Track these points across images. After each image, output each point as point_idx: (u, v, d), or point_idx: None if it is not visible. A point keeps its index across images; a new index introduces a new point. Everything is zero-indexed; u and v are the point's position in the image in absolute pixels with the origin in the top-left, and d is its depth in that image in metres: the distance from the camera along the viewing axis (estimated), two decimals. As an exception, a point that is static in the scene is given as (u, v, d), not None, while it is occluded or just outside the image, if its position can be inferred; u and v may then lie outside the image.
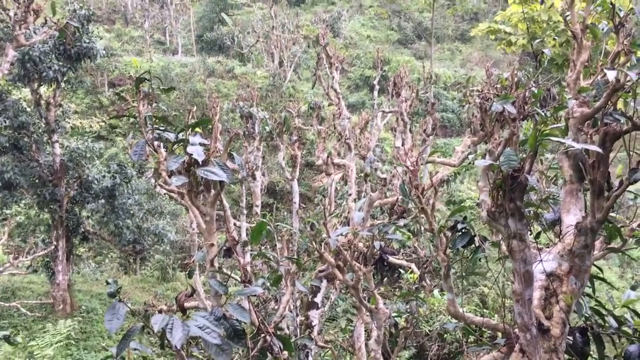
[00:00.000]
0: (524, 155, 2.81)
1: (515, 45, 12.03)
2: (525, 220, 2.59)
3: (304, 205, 23.55)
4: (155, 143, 3.90)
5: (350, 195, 10.74)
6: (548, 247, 3.06)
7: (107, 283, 2.52)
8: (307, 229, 11.93)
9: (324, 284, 10.03)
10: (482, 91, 4.91)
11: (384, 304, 6.63)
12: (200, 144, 3.02)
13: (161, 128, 3.36)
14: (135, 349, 3.46)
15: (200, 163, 2.89)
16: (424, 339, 14.88)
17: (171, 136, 3.17)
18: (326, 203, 10.46)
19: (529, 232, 3.44)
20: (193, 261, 3.18)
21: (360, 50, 38.91)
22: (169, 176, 3.08)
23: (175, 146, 3.31)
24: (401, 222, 10.31)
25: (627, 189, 3.02)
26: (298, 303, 9.74)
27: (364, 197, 10.12)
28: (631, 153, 2.74)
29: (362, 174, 10.04)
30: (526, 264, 2.59)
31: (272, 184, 24.12)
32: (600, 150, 2.56)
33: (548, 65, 9.72)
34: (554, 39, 10.01)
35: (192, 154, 2.84)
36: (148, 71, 3.15)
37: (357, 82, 35.84)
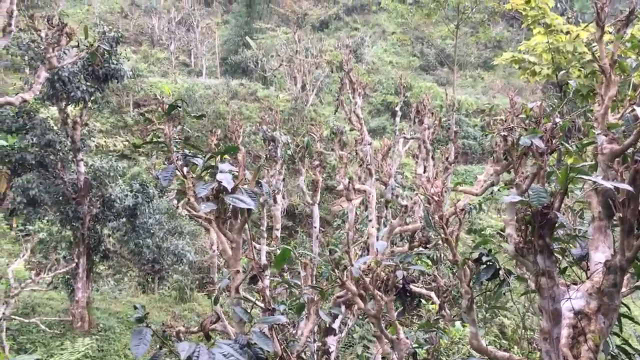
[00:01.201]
0: (550, 189, 2.79)
1: (540, 75, 11.99)
2: (554, 257, 2.57)
3: (323, 229, 23.55)
4: (184, 168, 3.96)
5: (370, 221, 10.72)
6: (576, 285, 3.03)
7: (135, 308, 2.54)
8: (325, 253, 11.90)
9: (342, 309, 9.97)
10: (505, 121, 4.91)
11: (403, 332, 6.56)
12: (231, 172, 3.07)
13: (188, 153, 3.41)
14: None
15: (229, 190, 2.92)
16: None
17: (199, 162, 3.22)
18: (347, 229, 10.45)
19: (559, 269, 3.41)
20: (218, 288, 3.19)
21: (383, 76, 39.13)
22: (197, 202, 3.12)
23: (204, 172, 3.36)
24: (423, 251, 10.24)
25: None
26: (316, 328, 9.67)
27: (384, 222, 10.09)
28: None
29: (383, 200, 10.03)
30: (555, 302, 2.56)
31: (291, 207, 24.18)
32: (630, 188, 2.53)
33: (573, 96, 9.68)
34: (579, 70, 9.97)
35: (221, 182, 2.88)
36: (182, 99, 3.22)
37: (379, 107, 35.97)
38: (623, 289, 3.68)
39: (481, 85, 42.40)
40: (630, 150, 2.98)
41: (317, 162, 11.93)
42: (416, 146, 10.57)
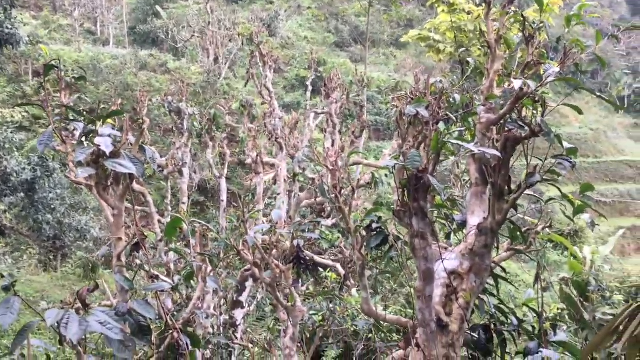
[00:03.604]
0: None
1: (444, 53, 12.39)
2: (428, 219, 2.68)
3: (235, 204, 23.35)
4: (71, 134, 3.78)
5: (279, 194, 10.75)
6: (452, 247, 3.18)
7: (1, 276, 2.42)
8: (236, 227, 11.82)
9: (250, 283, 9.99)
10: (403, 98, 5.03)
11: (310, 303, 6.66)
12: (111, 136, 2.95)
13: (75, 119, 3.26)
14: (38, 347, 3.34)
15: (109, 155, 2.81)
16: (350, 338, 15.06)
17: (79, 126, 3.07)
18: (255, 202, 10.43)
19: (437, 233, 3.56)
20: (97, 256, 3.09)
21: (297, 51, 38.98)
22: (77, 167, 2.99)
23: (90, 137, 3.22)
24: (328, 222, 10.41)
25: (528, 192, 3.19)
26: (223, 302, 9.64)
27: (294, 196, 10.17)
28: (530, 157, 2.89)
29: (292, 174, 10.07)
30: (427, 262, 2.67)
31: (203, 182, 23.77)
32: (499, 154, 2.68)
33: (472, 74, 10.07)
34: (479, 49, 10.38)
35: (99, 145, 2.77)
36: (57, 59, 3.05)
37: (293, 82, 35.88)
38: (502, 253, 3.91)
39: (393, 63, 43.21)
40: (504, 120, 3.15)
41: (225, 135, 11.79)
42: (326, 122, 10.69)
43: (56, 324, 2.26)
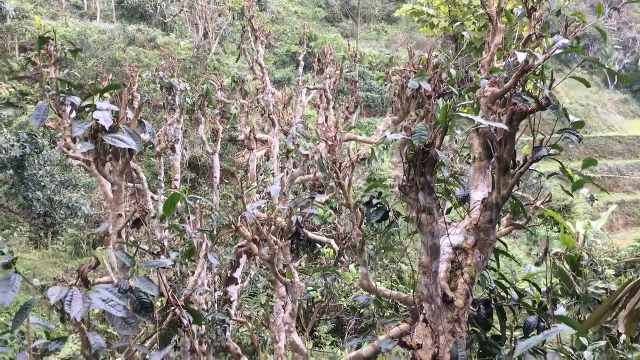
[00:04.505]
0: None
1: (438, 28, 12.27)
2: (435, 195, 2.65)
3: (227, 181, 23.30)
4: (65, 109, 3.69)
5: (272, 171, 10.70)
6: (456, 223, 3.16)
7: (2, 254, 2.36)
8: (228, 203, 11.78)
9: (244, 259, 9.99)
10: (403, 71, 4.97)
11: (304, 280, 6.67)
12: (110, 111, 2.88)
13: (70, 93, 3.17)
14: (38, 324, 3.30)
15: (108, 129, 2.75)
16: (342, 314, 15.19)
17: (77, 100, 3.00)
18: (248, 178, 10.37)
19: (441, 208, 3.54)
20: (97, 232, 3.04)
21: (288, 26, 38.54)
22: (74, 142, 2.92)
23: (83, 112, 3.14)
24: (322, 198, 10.40)
25: (533, 168, 3.16)
26: (217, 278, 9.64)
27: (287, 172, 10.12)
28: (536, 133, 2.85)
29: (285, 150, 10.01)
30: (434, 237, 2.65)
31: (194, 159, 23.64)
32: (506, 128, 2.64)
33: (467, 49, 10.01)
34: (474, 23, 10.29)
35: (98, 120, 2.70)
36: (53, 30, 2.96)
37: (284, 58, 35.54)
38: (502, 228, 3.90)
39: (385, 38, 42.87)
40: (509, 93, 3.10)
41: (217, 111, 11.67)
42: (319, 97, 10.59)
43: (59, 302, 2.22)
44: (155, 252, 2.95)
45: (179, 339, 6.27)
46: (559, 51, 2.76)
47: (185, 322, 2.95)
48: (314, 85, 12.25)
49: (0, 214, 18.38)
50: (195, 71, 28.89)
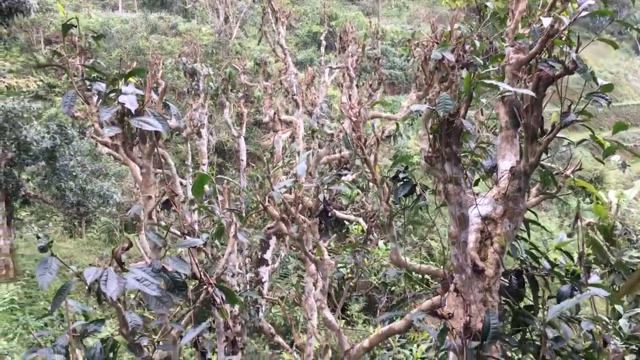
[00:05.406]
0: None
1: (460, 0, 12.05)
2: (461, 164, 2.63)
3: (253, 164, 23.41)
4: (90, 95, 3.74)
5: (298, 152, 10.71)
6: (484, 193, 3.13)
7: (38, 237, 2.43)
8: (254, 185, 11.86)
9: (273, 241, 10.07)
10: (426, 45, 4.91)
11: (333, 259, 6.71)
12: (135, 94, 2.91)
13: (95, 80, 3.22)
14: (76, 307, 3.39)
15: (134, 113, 2.79)
16: (372, 291, 15.24)
17: (103, 87, 3.04)
18: (275, 160, 10.42)
19: (468, 179, 3.51)
20: (128, 214, 3.10)
21: (308, 6, 38.27)
22: (102, 127, 2.97)
23: (109, 97, 3.18)
24: (349, 177, 10.41)
25: (561, 135, 3.10)
26: (247, 260, 9.76)
27: (313, 153, 10.13)
28: (563, 98, 2.80)
29: (310, 131, 10.00)
30: (462, 207, 2.64)
31: (220, 144, 23.80)
32: (532, 94, 2.59)
33: (491, 19, 9.82)
34: (497, -7, 10.08)
35: (124, 104, 2.74)
36: (75, 17, 2.99)
37: (305, 39, 35.35)
38: (532, 198, 3.85)
39: (406, 14, 42.28)
40: (534, 59, 3.04)
41: (241, 95, 11.70)
42: (342, 76, 10.53)
43: (95, 282, 2.28)
44: (185, 232, 3.00)
45: (213, 321, 6.37)
46: (584, 12, 2.68)
47: (218, 300, 3.00)
48: (337, 64, 12.18)
49: (35, 205, 18.82)
50: (217, 56, 28.96)
